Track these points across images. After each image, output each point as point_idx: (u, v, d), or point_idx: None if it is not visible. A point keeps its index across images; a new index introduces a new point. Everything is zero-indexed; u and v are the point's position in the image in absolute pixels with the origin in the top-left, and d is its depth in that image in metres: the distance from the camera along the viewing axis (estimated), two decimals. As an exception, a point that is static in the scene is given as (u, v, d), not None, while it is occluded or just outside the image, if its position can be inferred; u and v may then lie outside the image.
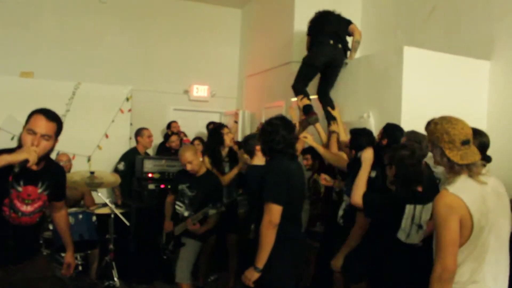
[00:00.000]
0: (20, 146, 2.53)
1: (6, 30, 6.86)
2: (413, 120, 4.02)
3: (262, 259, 2.87)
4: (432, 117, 3.53)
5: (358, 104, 4.79)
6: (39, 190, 2.66)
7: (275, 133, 3.06)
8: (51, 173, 2.76)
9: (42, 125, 2.51)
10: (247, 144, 4.43)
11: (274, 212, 2.87)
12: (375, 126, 4.38)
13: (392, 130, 3.86)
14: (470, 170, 2.17)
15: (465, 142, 2.17)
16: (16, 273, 2.59)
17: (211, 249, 4.87)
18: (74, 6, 7.34)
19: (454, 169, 2.20)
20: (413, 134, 3.62)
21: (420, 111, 4.15)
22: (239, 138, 7.13)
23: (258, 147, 4.36)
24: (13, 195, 2.53)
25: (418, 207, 2.88)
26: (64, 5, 7.27)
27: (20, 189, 2.56)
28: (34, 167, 2.54)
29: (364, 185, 3.10)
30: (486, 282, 2.16)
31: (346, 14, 5.73)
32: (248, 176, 4.18)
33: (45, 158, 2.63)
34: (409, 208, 2.87)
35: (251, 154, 4.39)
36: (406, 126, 3.86)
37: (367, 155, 3.22)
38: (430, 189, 3.04)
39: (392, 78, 4.36)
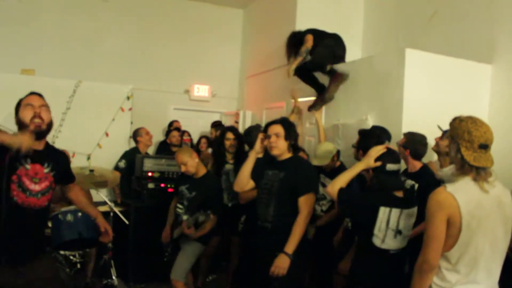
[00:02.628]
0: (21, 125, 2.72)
1: (7, 27, 6.84)
2: (414, 123, 4.03)
3: (293, 246, 3.07)
4: (433, 120, 3.56)
5: (359, 106, 4.79)
6: (45, 170, 2.74)
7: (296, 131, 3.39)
8: (54, 155, 2.86)
9: (36, 99, 2.77)
10: (249, 135, 4.41)
11: (313, 203, 3.20)
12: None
13: (379, 132, 3.88)
14: (478, 173, 2.19)
15: (482, 146, 2.19)
16: (23, 274, 2.61)
17: (213, 251, 4.86)
18: (76, 4, 7.33)
19: (463, 168, 2.22)
20: (411, 135, 3.63)
21: (422, 113, 4.18)
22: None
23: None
24: (22, 172, 2.62)
25: (395, 210, 2.73)
26: (65, 3, 7.25)
27: (28, 166, 2.65)
28: (39, 146, 2.71)
29: (347, 180, 2.90)
30: (476, 287, 2.18)
31: (348, 16, 5.76)
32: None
33: (49, 128, 2.76)
34: (383, 210, 2.72)
35: (252, 145, 4.37)
36: (408, 129, 3.86)
37: (373, 152, 2.92)
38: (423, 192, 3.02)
39: (394, 80, 4.35)
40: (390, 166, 2.84)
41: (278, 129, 3.25)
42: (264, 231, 3.26)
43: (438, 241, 2.16)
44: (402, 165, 3.31)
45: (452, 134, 2.27)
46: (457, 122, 2.28)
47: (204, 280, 5.05)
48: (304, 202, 3.14)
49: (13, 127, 5.48)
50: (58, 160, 2.86)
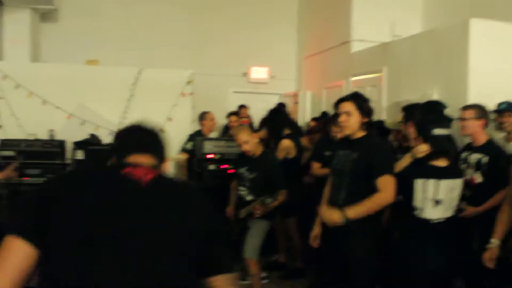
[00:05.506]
0: None
1: (72, 21, 7.24)
2: (480, 97, 3.84)
3: (354, 212, 2.78)
4: (502, 91, 3.39)
5: (421, 81, 4.64)
6: None
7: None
8: None
9: None
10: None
11: (393, 186, 2.81)
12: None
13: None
14: None
15: None
16: None
17: (286, 226, 4.88)
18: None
19: None
20: (479, 106, 3.48)
21: (488, 87, 3.99)
22: (300, 119, 7.11)
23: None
24: None
25: (431, 181, 2.80)
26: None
27: None
28: None
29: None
30: None
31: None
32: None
33: None
34: (419, 182, 2.80)
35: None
36: (475, 101, 3.69)
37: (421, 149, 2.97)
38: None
39: (458, 53, 4.19)
40: (437, 131, 2.87)
41: (349, 107, 2.97)
42: None
43: None
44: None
45: None
46: None
47: (286, 256, 5.07)
48: (384, 185, 2.81)
49: (83, 116, 5.82)
50: None
